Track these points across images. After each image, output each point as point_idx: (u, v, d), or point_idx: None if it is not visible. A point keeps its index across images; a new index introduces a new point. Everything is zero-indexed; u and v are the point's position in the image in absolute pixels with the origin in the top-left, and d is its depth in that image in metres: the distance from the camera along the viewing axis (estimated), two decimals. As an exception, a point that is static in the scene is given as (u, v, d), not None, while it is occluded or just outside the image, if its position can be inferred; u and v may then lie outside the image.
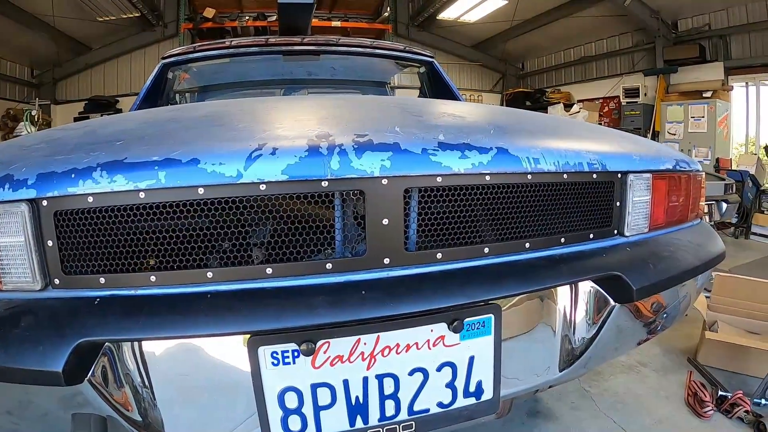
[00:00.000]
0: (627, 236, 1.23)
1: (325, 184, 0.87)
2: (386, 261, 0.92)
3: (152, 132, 1.02)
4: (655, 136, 9.07)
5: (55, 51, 10.19)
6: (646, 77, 9.45)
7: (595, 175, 1.14)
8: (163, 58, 2.81)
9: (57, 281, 0.90)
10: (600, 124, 10.02)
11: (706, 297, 2.99)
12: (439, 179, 0.94)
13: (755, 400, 2.11)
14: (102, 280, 0.89)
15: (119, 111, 10.66)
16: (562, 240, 1.11)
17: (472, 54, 12.81)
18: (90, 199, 0.86)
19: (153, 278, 0.89)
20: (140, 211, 0.88)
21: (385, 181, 0.89)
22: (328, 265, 0.91)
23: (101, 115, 10.35)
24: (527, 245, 1.06)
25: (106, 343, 0.87)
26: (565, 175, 1.08)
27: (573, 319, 1.14)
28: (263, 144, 0.88)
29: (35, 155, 0.95)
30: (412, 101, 1.46)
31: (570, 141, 1.17)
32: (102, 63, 11.13)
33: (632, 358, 2.61)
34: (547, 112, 10.65)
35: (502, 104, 13.02)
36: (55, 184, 0.86)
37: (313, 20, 10.36)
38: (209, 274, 0.89)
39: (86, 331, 0.82)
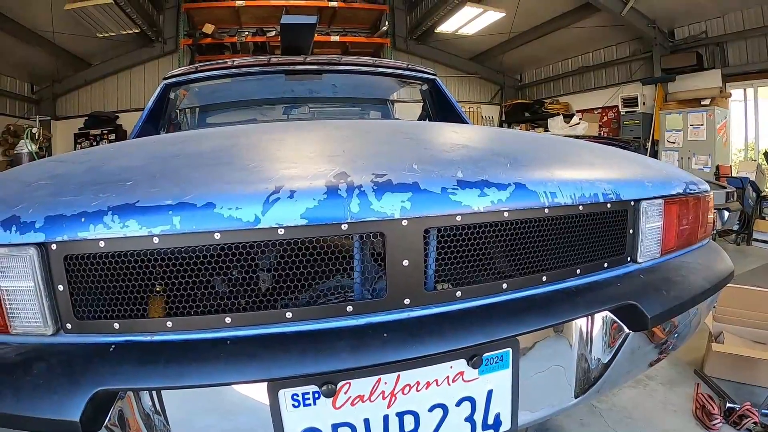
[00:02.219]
0: (640, 263, 1.23)
1: (344, 227, 0.87)
2: (406, 302, 0.92)
3: (162, 169, 1.01)
4: (655, 145, 9.08)
5: (54, 67, 10.19)
6: (644, 86, 9.46)
7: (609, 205, 1.14)
8: (165, 79, 2.81)
9: (69, 326, 0.89)
10: (600, 134, 10.05)
11: (713, 308, 2.97)
12: (458, 218, 0.94)
13: (763, 411, 2.10)
14: (116, 326, 0.88)
15: (119, 126, 10.66)
16: (578, 271, 1.12)
17: (470, 66, 12.85)
18: (101, 243, 0.85)
19: (169, 324, 0.88)
20: (154, 256, 0.87)
21: (405, 222, 0.89)
22: (349, 308, 0.90)
23: (101, 131, 10.38)
24: (544, 278, 1.06)
25: (121, 392, 0.85)
26: (581, 207, 1.08)
27: (589, 347, 1.14)
28: (280, 186, 0.87)
29: (41, 194, 0.93)
30: (421, 129, 1.45)
31: (584, 170, 1.17)
32: (102, 79, 11.12)
33: None
34: (546, 124, 10.70)
35: (501, 116, 13.04)
36: (64, 228, 0.85)
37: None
38: (227, 320, 0.88)
39: (103, 380, 0.81)
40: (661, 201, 1.25)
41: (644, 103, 9.44)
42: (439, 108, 3.01)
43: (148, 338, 0.88)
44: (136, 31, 9.70)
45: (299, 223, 0.85)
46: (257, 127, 1.61)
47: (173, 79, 2.80)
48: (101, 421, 0.83)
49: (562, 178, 1.08)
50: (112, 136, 10.46)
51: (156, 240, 0.85)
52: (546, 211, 1.03)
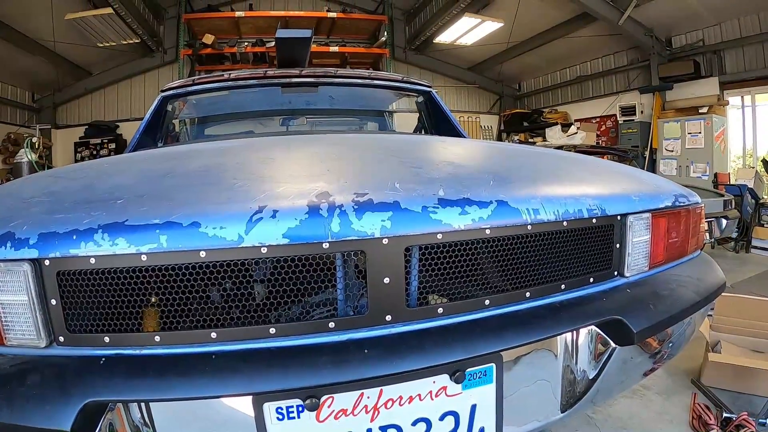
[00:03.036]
0: (627, 276, 1.23)
1: (326, 245, 0.89)
2: (388, 318, 0.93)
3: (151, 189, 1.03)
4: (653, 153, 9.10)
5: (55, 76, 10.25)
6: (642, 95, 9.49)
7: (594, 220, 1.15)
8: (162, 91, 2.84)
9: (62, 339, 0.91)
10: (598, 143, 10.07)
11: (709, 317, 2.97)
12: (439, 236, 0.95)
13: (761, 420, 2.11)
14: (107, 339, 0.90)
15: (119, 136, 10.69)
16: (563, 287, 1.12)
17: (468, 76, 12.90)
18: (92, 260, 0.88)
19: (157, 338, 0.90)
20: (143, 273, 0.89)
21: (385, 241, 0.91)
22: (331, 324, 0.92)
23: (101, 141, 10.41)
24: (527, 294, 1.07)
25: (110, 403, 0.87)
26: (564, 223, 1.09)
27: (575, 360, 1.15)
28: (263, 206, 0.89)
29: (35, 211, 0.96)
30: (409, 145, 1.47)
31: (569, 186, 1.18)
32: (102, 88, 11.18)
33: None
34: (544, 133, 10.73)
35: (500, 125, 13.09)
36: (56, 245, 0.88)
37: (312, 45, 10.47)
38: (213, 335, 0.90)
39: (93, 392, 0.83)
40: (648, 215, 1.25)
41: (642, 112, 9.49)
42: (435, 120, 3.03)
43: (137, 352, 0.90)
44: (137, 41, 9.76)
45: (281, 242, 0.87)
46: (247, 144, 1.63)
47: (170, 92, 2.82)
48: (91, 431, 0.85)
49: (546, 194, 1.09)
50: (112, 145, 10.52)
51: (144, 257, 0.87)
52: (529, 227, 1.04)
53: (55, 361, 0.90)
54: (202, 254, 0.87)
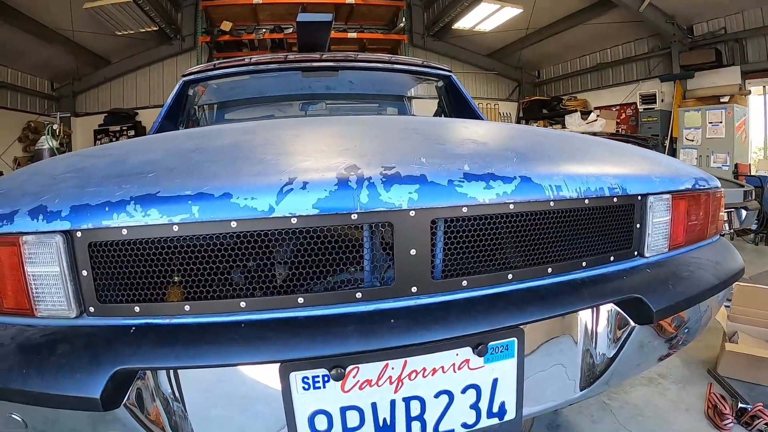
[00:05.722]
0: (647, 257, 1.24)
1: (354, 216, 0.90)
2: (414, 289, 0.95)
3: (182, 163, 1.05)
4: (673, 143, 8.99)
5: (74, 65, 10.36)
6: (662, 83, 9.36)
7: (615, 199, 1.15)
8: (184, 76, 2.87)
9: (92, 309, 0.93)
10: (617, 131, 9.95)
11: (726, 307, 2.95)
12: (464, 209, 0.96)
13: (776, 411, 2.09)
14: (137, 309, 0.92)
15: (138, 123, 10.79)
16: (584, 264, 1.13)
17: (487, 63, 12.78)
18: (124, 231, 0.90)
19: (187, 308, 0.92)
20: (174, 243, 0.92)
21: (412, 213, 0.92)
22: (358, 294, 0.94)
23: (121, 128, 10.51)
24: (549, 270, 1.08)
25: (141, 371, 0.90)
26: (586, 201, 1.10)
27: (594, 339, 1.15)
28: (293, 178, 0.91)
29: (66, 186, 0.98)
30: (432, 125, 1.48)
31: (591, 165, 1.18)
32: (121, 76, 11.29)
33: (652, 370, 2.58)
34: (564, 121, 10.62)
35: (518, 112, 12.97)
36: (89, 217, 0.90)
37: (330, 32, 10.46)
38: (242, 304, 0.92)
39: (123, 360, 0.85)
40: (668, 196, 1.25)
41: (663, 100, 9.36)
42: (455, 104, 3.03)
43: (167, 321, 0.92)
44: (155, 28, 9.83)
45: (311, 213, 0.89)
46: (273, 124, 1.65)
47: (192, 76, 2.85)
48: (120, 399, 0.88)
49: (568, 171, 1.10)
50: (132, 132, 10.63)
51: (175, 228, 0.89)
52: (551, 204, 1.05)
53: (85, 331, 0.92)
54: (233, 224, 0.89)
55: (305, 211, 0.89)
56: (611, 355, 1.18)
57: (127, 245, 0.91)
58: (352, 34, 10.72)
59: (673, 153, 8.89)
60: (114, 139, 10.68)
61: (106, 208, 0.90)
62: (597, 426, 2.12)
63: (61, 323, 0.94)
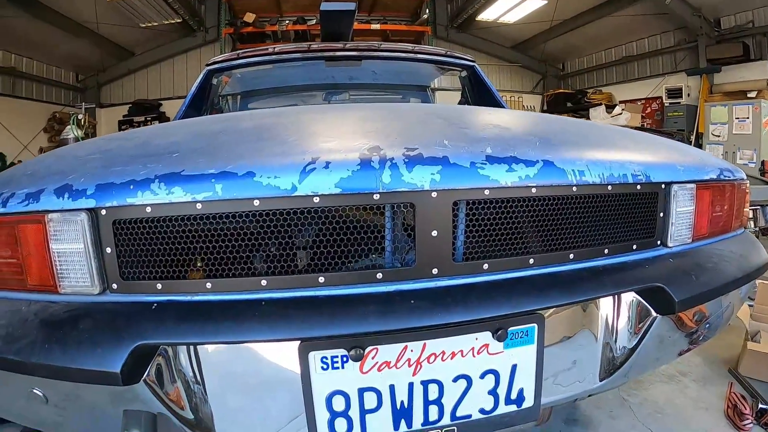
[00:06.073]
0: (670, 247, 1.22)
1: (376, 196, 0.90)
2: (434, 271, 0.95)
3: (207, 144, 1.06)
4: (699, 138, 8.83)
5: (99, 56, 10.54)
6: (689, 77, 9.21)
7: (639, 186, 1.14)
8: (208, 65, 2.89)
9: (115, 286, 0.95)
10: (642, 125, 9.81)
11: (750, 306, 2.89)
12: (486, 192, 0.96)
13: (797, 413, 2.05)
14: (159, 286, 0.94)
15: (162, 114, 10.94)
16: (606, 251, 1.12)
17: (511, 55, 12.69)
18: (148, 209, 0.91)
19: (209, 285, 0.93)
20: (197, 221, 0.93)
21: (434, 194, 0.92)
22: (379, 275, 0.94)
23: (145, 118, 10.67)
24: (571, 256, 1.07)
25: (162, 347, 0.91)
26: (609, 187, 1.09)
27: (615, 328, 1.14)
28: (316, 158, 0.91)
29: (91, 165, 1.00)
30: (456, 111, 1.47)
31: (614, 151, 1.17)
32: (145, 67, 11.47)
33: (673, 368, 2.56)
34: (588, 114, 10.51)
35: (542, 106, 12.86)
36: (113, 195, 0.91)
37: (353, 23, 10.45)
38: (263, 282, 0.92)
39: (144, 335, 0.87)
40: (693, 185, 1.23)
41: (689, 95, 9.21)
42: (478, 95, 3.01)
43: (188, 298, 0.93)
44: (178, 20, 9.94)
45: (333, 192, 0.89)
46: (297, 109, 1.67)
47: (216, 66, 2.88)
48: (140, 374, 0.89)
49: (591, 157, 1.08)
50: (156, 123, 10.75)
51: (199, 206, 0.90)
52: (574, 189, 1.04)
53: (107, 308, 0.94)
54: (256, 203, 0.90)
55: (327, 190, 0.89)
56: (632, 346, 1.16)
57: (151, 223, 0.92)
58: (375, 26, 10.69)
59: (698, 148, 8.72)
60: (138, 129, 10.83)
61: (131, 186, 0.91)
62: (615, 422, 2.10)
63: (84, 299, 0.96)
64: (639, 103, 10.40)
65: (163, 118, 10.89)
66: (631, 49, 10.71)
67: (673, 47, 9.71)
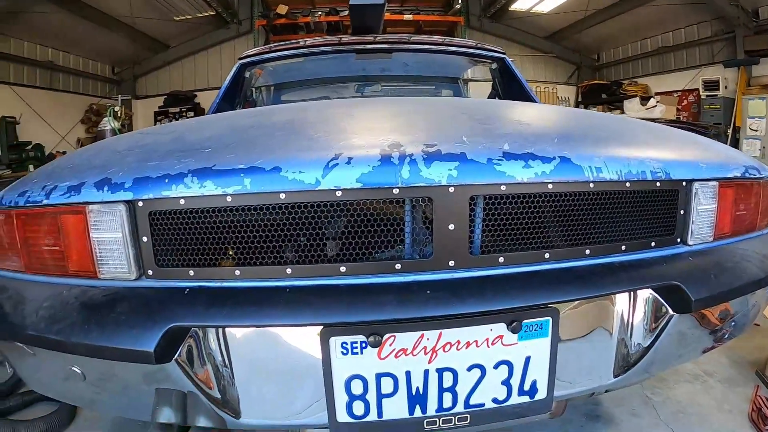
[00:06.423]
0: (690, 245, 1.21)
1: (396, 191, 0.95)
2: (451, 263, 0.99)
3: (236, 139, 1.13)
4: (736, 132, 8.56)
5: (134, 50, 10.83)
6: (726, 69, 8.92)
7: (658, 184, 1.13)
8: (240, 59, 2.96)
9: (150, 272, 1.02)
10: (678, 118, 9.54)
11: (782, 307, 2.82)
12: (503, 187, 0.99)
13: (823, 418, 2.00)
14: (191, 273, 1.01)
15: (197, 105, 11.14)
16: (623, 247, 1.12)
17: (545, 45, 12.50)
18: (182, 201, 0.98)
19: (237, 272, 0.99)
20: (227, 213, 0.99)
21: (451, 189, 0.96)
22: (397, 266, 0.98)
23: (180, 109, 10.87)
24: (587, 252, 1.08)
25: (193, 328, 0.98)
26: (627, 184, 1.09)
27: (631, 325, 1.15)
28: (339, 154, 0.96)
29: (129, 160, 1.07)
30: (480, 106, 1.49)
31: (634, 148, 1.17)
32: (180, 60, 11.71)
33: (699, 367, 2.51)
34: (623, 106, 10.30)
35: (577, 97, 12.65)
36: (150, 188, 0.98)
37: (386, 14, 10.41)
38: (288, 270, 0.98)
39: (176, 318, 0.94)
40: (715, 183, 1.21)
41: (726, 87, 8.94)
42: (508, 87, 3.01)
43: (218, 284, 1.00)
44: (212, 13, 10.11)
45: (355, 186, 0.94)
46: (325, 104, 1.71)
47: (248, 59, 2.95)
48: (172, 354, 0.96)
49: (610, 154, 1.09)
50: (191, 114, 11.03)
51: (229, 198, 0.96)
52: (591, 185, 1.05)
53: (143, 292, 1.01)
54: (282, 196, 0.95)
55: (349, 184, 0.94)
56: (648, 343, 1.16)
57: (184, 214, 0.99)
58: (408, 16, 10.66)
59: (735, 143, 8.46)
60: (174, 120, 11.09)
61: (166, 180, 0.98)
62: (637, 420, 2.09)
63: (122, 284, 1.03)
64: (675, 96, 10.12)
65: (197, 109, 11.11)
66: (668, 40, 10.42)
67: (710, 38, 9.41)
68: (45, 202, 1.04)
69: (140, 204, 0.99)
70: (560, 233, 1.08)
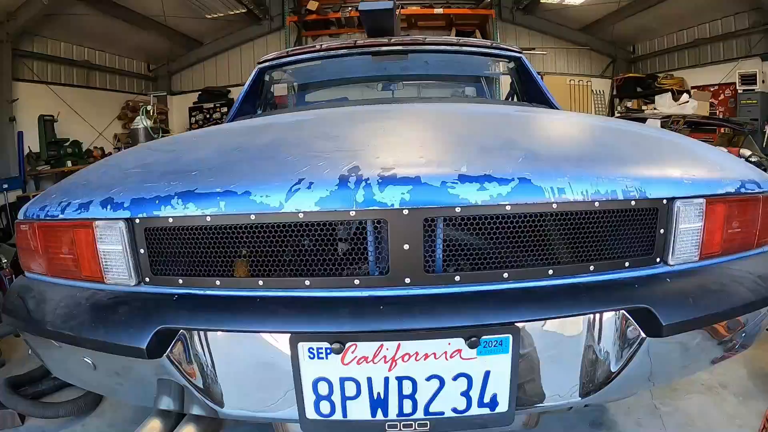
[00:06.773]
0: (671, 265, 1.17)
1: (352, 213, 1.03)
2: (407, 281, 1.06)
3: (219, 162, 1.26)
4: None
5: (168, 47, 11.12)
6: (764, 62, 8.55)
7: (633, 203, 1.11)
8: (259, 63, 3.07)
9: (147, 279, 1.18)
10: (713, 113, 9.25)
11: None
12: (458, 209, 1.03)
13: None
14: (180, 281, 1.15)
15: (231, 100, 11.34)
16: (591, 268, 1.11)
17: (579, 37, 12.10)
18: (170, 219, 1.12)
19: (218, 282, 1.13)
20: (207, 231, 1.12)
21: (405, 212, 1.02)
22: (356, 281, 1.07)
23: (214, 105, 11.17)
24: (550, 272, 1.09)
25: (181, 330, 1.10)
26: (596, 204, 1.08)
27: (602, 345, 1.11)
28: (302, 179, 1.06)
29: (130, 180, 1.24)
30: (453, 120, 1.54)
31: (609, 165, 1.16)
32: (213, 56, 11.93)
33: (714, 378, 2.41)
34: (654, 101, 10.03)
35: (612, 90, 12.31)
36: (144, 208, 1.13)
37: (416, 8, 10.48)
38: (260, 282, 1.11)
39: (165, 320, 1.09)
40: (701, 200, 1.17)
41: (764, 81, 8.55)
42: (524, 86, 3.01)
43: (202, 292, 1.14)
44: (243, 10, 10.25)
45: (314, 209, 1.03)
46: (303, 122, 1.78)
47: (267, 63, 3.06)
48: (162, 351, 1.09)
49: (576, 173, 1.09)
50: (224, 109, 11.30)
51: (208, 218, 1.09)
52: (554, 206, 1.06)
53: (140, 296, 1.17)
54: (252, 217, 1.07)
55: (309, 207, 1.04)
56: (620, 364, 1.13)
57: (173, 230, 1.13)
58: (438, 10, 10.55)
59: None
60: (208, 115, 11.51)
61: (156, 201, 1.13)
62: (642, 430, 2.05)
63: (124, 289, 1.20)
64: (711, 90, 9.78)
65: (231, 104, 11.28)
66: (704, 31, 9.99)
67: (747, 29, 8.98)
68: (60, 216, 1.23)
69: (137, 221, 1.15)
70: (521, 253, 1.09)
